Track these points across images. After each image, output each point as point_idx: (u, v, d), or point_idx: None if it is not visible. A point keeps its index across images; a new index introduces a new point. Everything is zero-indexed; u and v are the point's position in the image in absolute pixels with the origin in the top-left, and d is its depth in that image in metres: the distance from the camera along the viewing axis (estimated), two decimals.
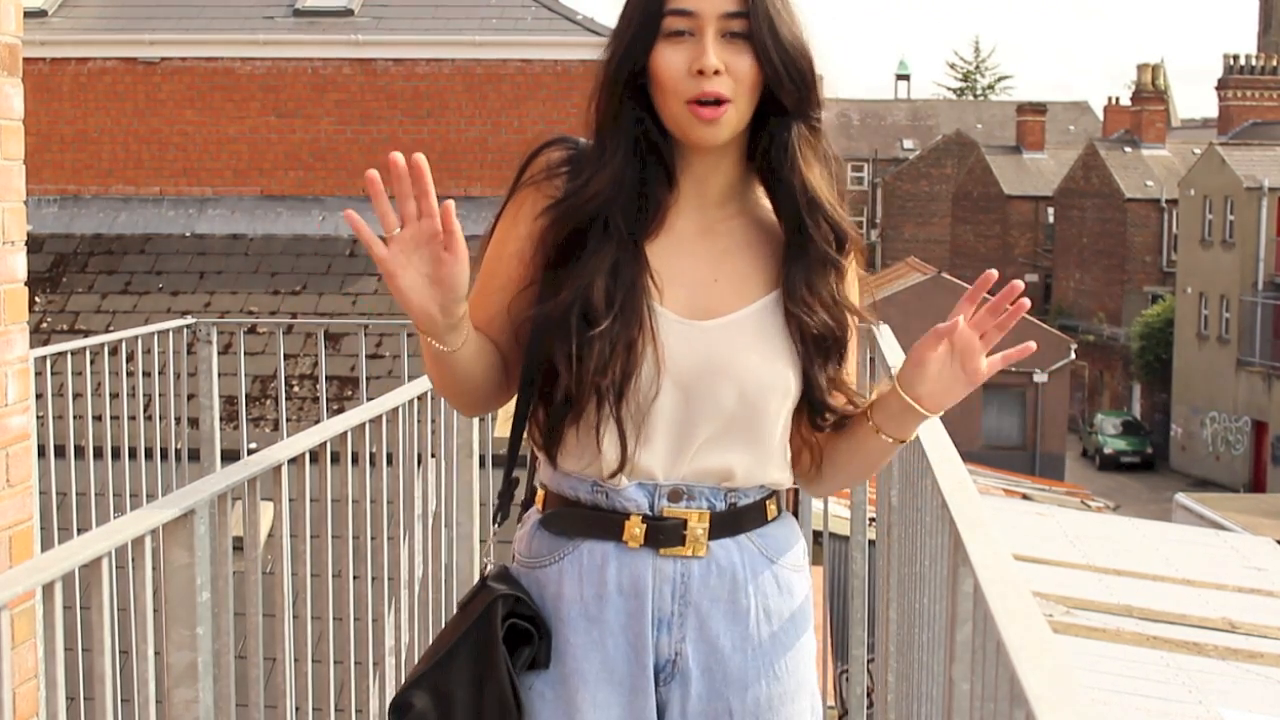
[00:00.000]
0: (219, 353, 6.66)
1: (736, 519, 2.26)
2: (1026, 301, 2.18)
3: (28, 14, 12.43)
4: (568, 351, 2.14)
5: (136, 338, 6.08)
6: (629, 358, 2.15)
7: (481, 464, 4.83)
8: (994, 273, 2.20)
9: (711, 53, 2.13)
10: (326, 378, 9.36)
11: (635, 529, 2.21)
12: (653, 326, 2.17)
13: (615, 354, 2.14)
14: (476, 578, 2.33)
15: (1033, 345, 2.19)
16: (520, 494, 2.39)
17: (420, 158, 2.00)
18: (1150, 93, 53.96)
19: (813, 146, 2.23)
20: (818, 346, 2.24)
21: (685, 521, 2.22)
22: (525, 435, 2.30)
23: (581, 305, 2.15)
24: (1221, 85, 51.63)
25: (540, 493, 2.32)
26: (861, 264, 2.35)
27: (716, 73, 2.13)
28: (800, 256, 2.24)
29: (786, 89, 2.17)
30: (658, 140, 2.20)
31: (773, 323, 2.24)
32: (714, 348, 2.20)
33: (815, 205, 2.23)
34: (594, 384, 2.14)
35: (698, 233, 2.27)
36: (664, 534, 2.21)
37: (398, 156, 1.99)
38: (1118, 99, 59.84)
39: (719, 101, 2.14)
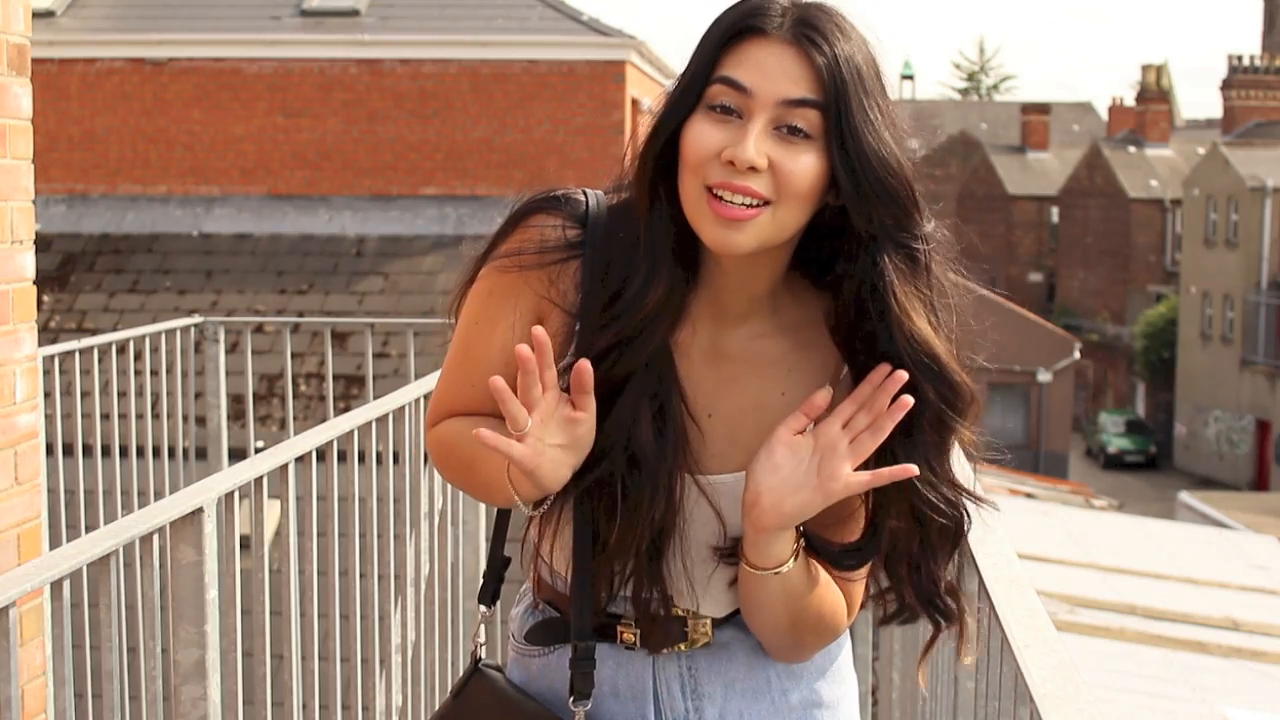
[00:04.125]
0: (226, 351, 6.67)
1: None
2: (908, 400, 1.74)
3: (36, 14, 12.44)
4: (613, 498, 1.83)
5: (144, 336, 6.09)
6: (668, 509, 1.85)
7: None
8: (902, 374, 1.77)
9: (751, 143, 1.70)
10: (333, 376, 9.38)
11: (629, 635, 1.96)
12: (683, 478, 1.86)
13: (656, 505, 1.84)
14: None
15: (912, 469, 1.76)
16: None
17: (539, 330, 1.69)
18: (1154, 93, 53.95)
19: (914, 283, 1.79)
20: (901, 552, 1.86)
21: (685, 619, 1.96)
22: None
23: (625, 443, 1.82)
24: (1226, 85, 51.62)
25: (531, 574, 2.06)
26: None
27: (753, 169, 1.71)
28: (910, 434, 1.80)
29: (867, 212, 1.75)
30: (685, 234, 1.81)
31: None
32: (706, 505, 1.89)
33: (930, 369, 1.79)
34: (634, 534, 1.84)
35: (706, 351, 1.89)
36: (662, 636, 1.95)
37: (524, 349, 1.68)
38: (1122, 99, 59.95)
39: (752, 203, 1.71)
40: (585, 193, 1.90)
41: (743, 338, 1.89)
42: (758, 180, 1.71)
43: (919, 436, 1.80)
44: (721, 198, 1.72)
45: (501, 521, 2.12)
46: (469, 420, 1.94)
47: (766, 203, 1.72)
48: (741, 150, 1.70)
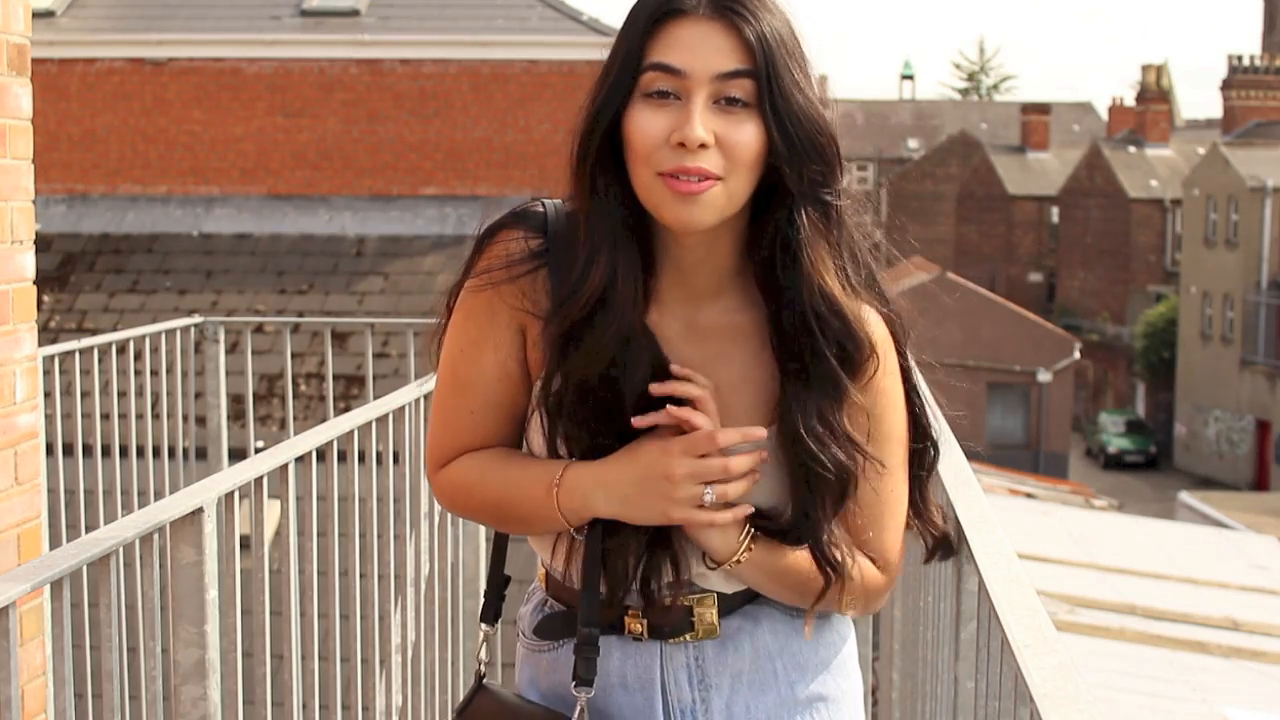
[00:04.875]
0: (226, 351, 6.67)
1: (748, 592, 2.01)
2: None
3: (36, 14, 12.44)
4: None
5: (144, 336, 6.09)
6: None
7: None
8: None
9: (698, 121, 1.76)
10: (333, 376, 9.38)
11: (636, 625, 1.97)
12: None
13: None
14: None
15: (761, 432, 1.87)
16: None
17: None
18: (1154, 93, 53.99)
19: (827, 236, 1.85)
20: (827, 488, 1.89)
21: (691, 608, 1.97)
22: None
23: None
24: (1226, 85, 51.64)
25: (541, 571, 2.09)
26: (881, 363, 1.92)
27: (703, 146, 1.76)
28: (806, 379, 1.88)
29: (799, 170, 1.81)
30: (632, 224, 1.85)
31: (770, 460, 1.90)
32: None
33: (826, 316, 1.85)
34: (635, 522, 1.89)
35: (681, 332, 1.92)
36: (669, 625, 1.97)
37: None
38: (1122, 99, 60.05)
39: (703, 177, 1.77)
40: (544, 203, 1.95)
41: (719, 313, 1.93)
42: (708, 158, 1.77)
43: (815, 387, 1.87)
44: (676, 177, 1.77)
45: (500, 541, 2.14)
46: (479, 457, 1.99)
47: (717, 178, 1.78)
48: (690, 130, 1.75)
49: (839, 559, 1.90)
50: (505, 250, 1.92)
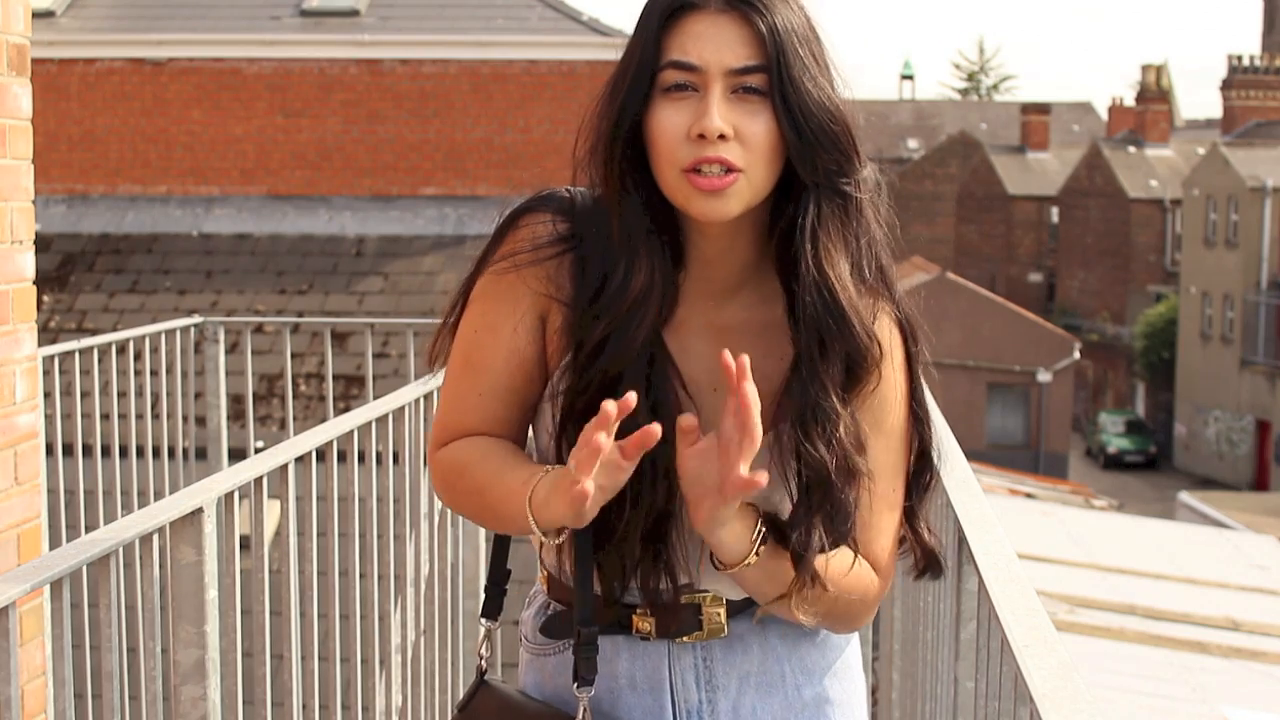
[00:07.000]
0: (226, 351, 6.67)
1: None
2: (749, 392, 1.69)
3: (36, 14, 12.44)
4: (620, 493, 1.78)
5: (144, 337, 6.09)
6: (669, 489, 1.85)
7: None
8: (728, 358, 1.70)
9: (715, 113, 1.76)
10: (333, 376, 9.37)
11: (644, 624, 1.95)
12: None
13: (658, 492, 1.85)
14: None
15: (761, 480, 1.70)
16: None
17: (631, 396, 1.67)
18: (1154, 93, 53.99)
19: (842, 230, 1.85)
20: (812, 486, 1.85)
21: (700, 606, 1.95)
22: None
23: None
24: (1226, 85, 51.67)
25: (542, 573, 2.06)
26: (885, 364, 1.89)
27: (722, 137, 1.77)
28: (812, 375, 1.85)
29: (812, 160, 1.81)
30: (661, 220, 1.86)
31: (776, 455, 1.87)
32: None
33: (831, 311, 1.83)
34: (637, 520, 1.86)
35: (702, 325, 1.91)
36: (677, 623, 1.95)
37: (612, 406, 1.65)
38: (1122, 99, 60.05)
39: (726, 170, 1.77)
40: (569, 189, 1.93)
41: (739, 308, 1.92)
42: (728, 149, 1.77)
43: (814, 384, 1.84)
44: (700, 171, 1.77)
45: (501, 537, 2.11)
46: (478, 442, 1.95)
47: (739, 170, 1.78)
48: (708, 121, 1.76)
49: (807, 557, 1.84)
50: (532, 234, 1.90)
